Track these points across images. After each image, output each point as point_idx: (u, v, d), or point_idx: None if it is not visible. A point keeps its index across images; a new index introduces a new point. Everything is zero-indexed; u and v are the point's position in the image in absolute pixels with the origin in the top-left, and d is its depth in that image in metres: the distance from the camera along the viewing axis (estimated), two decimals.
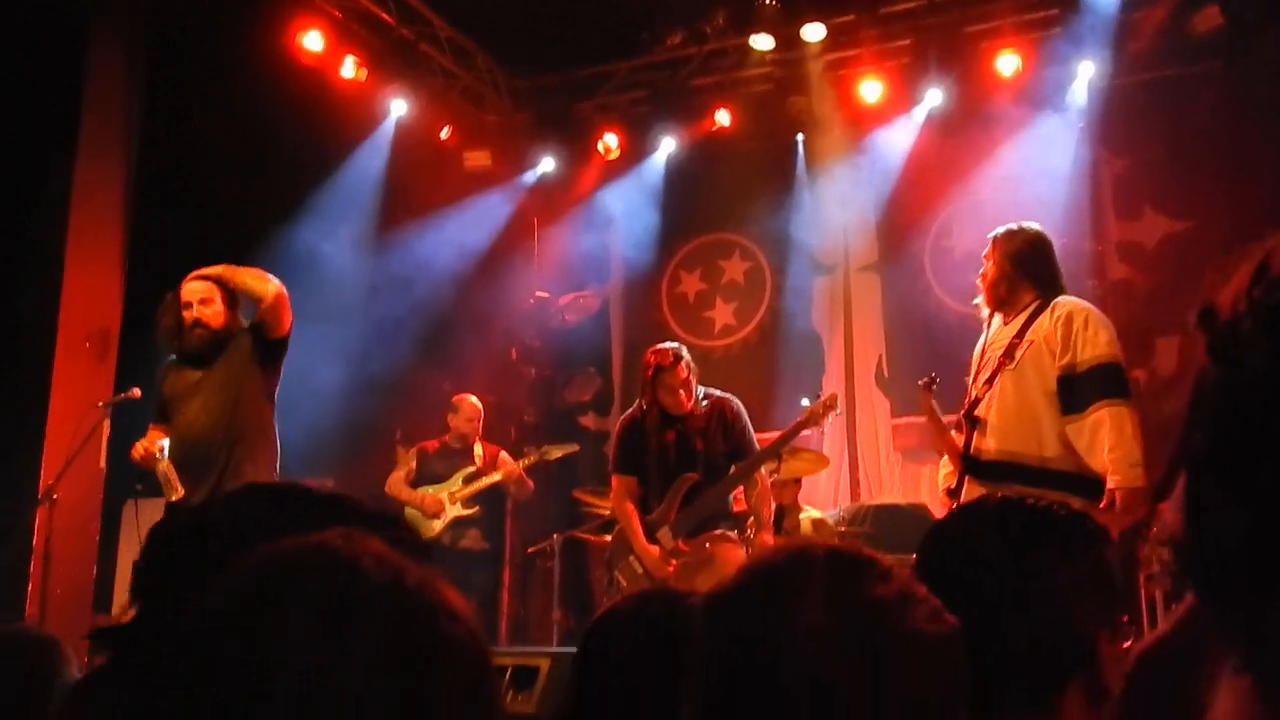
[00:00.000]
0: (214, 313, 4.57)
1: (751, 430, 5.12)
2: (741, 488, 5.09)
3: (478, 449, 6.67)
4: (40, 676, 1.96)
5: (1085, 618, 1.33)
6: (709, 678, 1.12)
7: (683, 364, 4.91)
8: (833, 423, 5.53)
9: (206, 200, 6.44)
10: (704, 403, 5.02)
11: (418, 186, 7.77)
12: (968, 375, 4.16)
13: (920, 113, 7.21)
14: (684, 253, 8.34)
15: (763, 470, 5.08)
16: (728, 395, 5.16)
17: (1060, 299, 4.01)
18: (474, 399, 6.77)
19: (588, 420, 8.50)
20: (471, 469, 6.55)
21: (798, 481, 6.26)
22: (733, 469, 5.01)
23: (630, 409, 5.21)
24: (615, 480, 5.17)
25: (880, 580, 1.12)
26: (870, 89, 7.23)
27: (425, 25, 7.48)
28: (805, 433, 5.35)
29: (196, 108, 6.40)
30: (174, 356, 4.65)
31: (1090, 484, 3.70)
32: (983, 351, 4.15)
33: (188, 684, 0.68)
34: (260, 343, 4.60)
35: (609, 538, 6.33)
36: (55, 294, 6.01)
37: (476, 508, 6.54)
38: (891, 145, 7.36)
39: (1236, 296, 0.46)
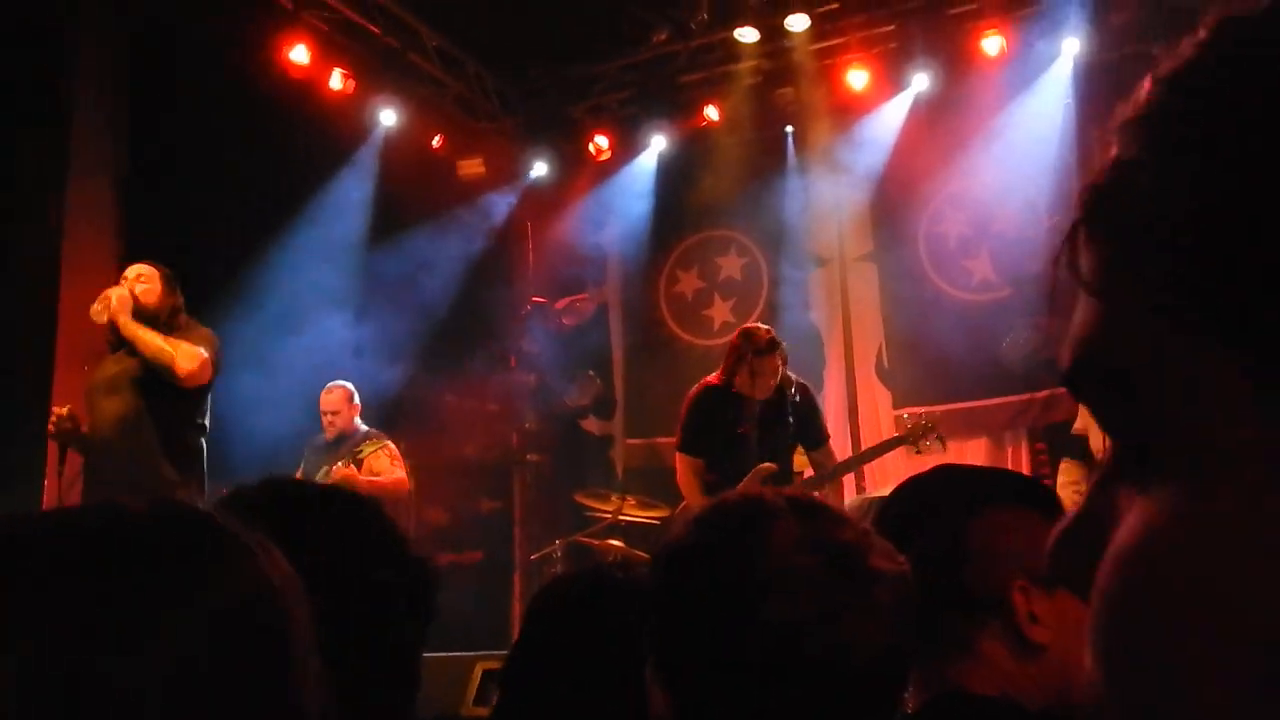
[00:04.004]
0: (145, 290, 4.45)
1: (823, 418, 5.12)
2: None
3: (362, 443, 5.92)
4: None
5: (997, 566, 1.34)
6: (673, 630, 1.11)
7: (780, 350, 4.82)
8: (857, 403, 5.44)
9: (199, 215, 6.44)
10: (792, 390, 4.91)
11: (411, 195, 7.76)
12: None
13: (907, 98, 7.19)
14: (680, 251, 8.32)
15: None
16: (805, 381, 5.08)
17: None
18: (337, 385, 6.06)
19: (589, 424, 8.47)
20: (326, 469, 5.80)
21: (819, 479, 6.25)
22: (798, 456, 4.99)
23: (699, 385, 5.04)
24: (681, 459, 5.00)
25: (840, 524, 1.13)
26: (857, 77, 7.21)
27: (412, 35, 7.49)
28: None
29: (187, 125, 6.41)
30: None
31: None
32: None
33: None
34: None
35: (614, 542, 6.34)
36: (52, 314, 6.02)
37: None
38: (881, 132, 7.34)
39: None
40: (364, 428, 6.05)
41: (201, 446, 4.58)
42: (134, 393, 4.36)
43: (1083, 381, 0.43)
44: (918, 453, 5.53)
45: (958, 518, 1.37)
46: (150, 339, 4.36)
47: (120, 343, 4.45)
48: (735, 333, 5.06)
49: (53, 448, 4.53)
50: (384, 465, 5.81)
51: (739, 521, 1.11)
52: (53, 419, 4.31)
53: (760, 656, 1.03)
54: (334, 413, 6.00)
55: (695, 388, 5.07)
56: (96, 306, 4.43)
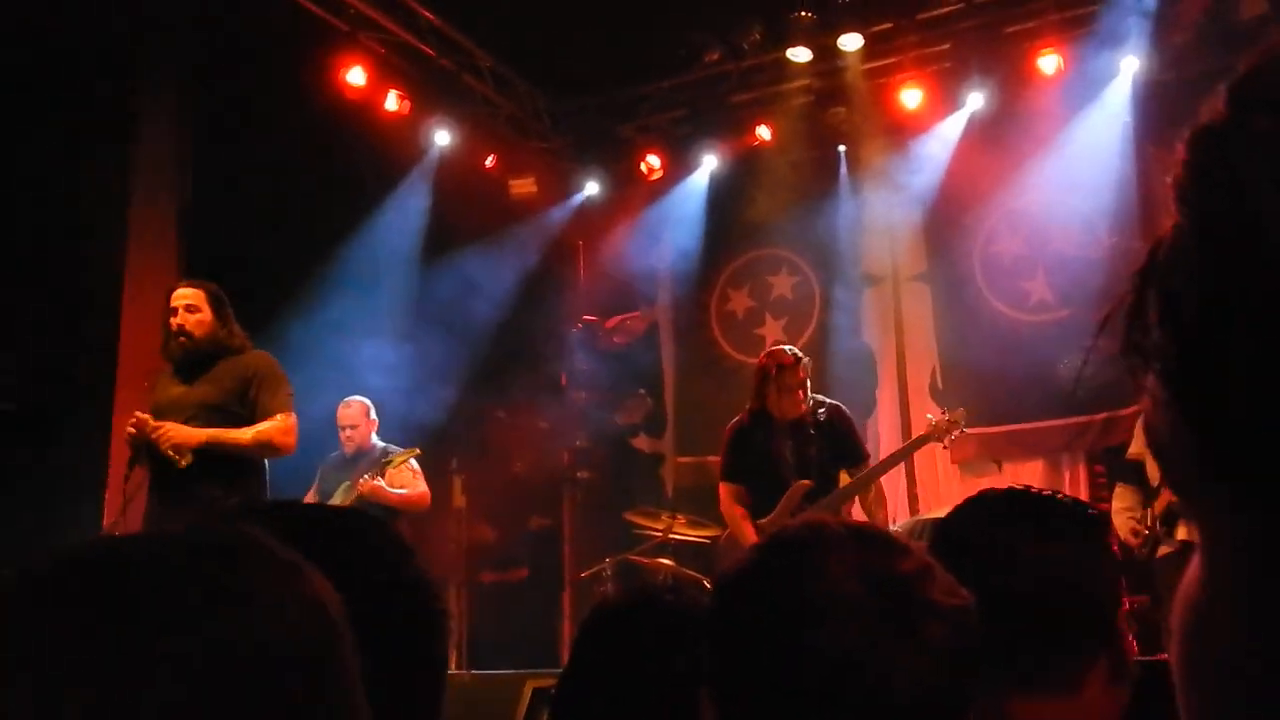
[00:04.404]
0: (198, 321, 4.43)
1: (862, 437, 5.19)
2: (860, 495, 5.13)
3: (375, 454, 5.88)
4: None
5: (1100, 595, 1.32)
6: (728, 656, 1.11)
7: (803, 364, 4.96)
8: (954, 440, 5.41)
9: (257, 236, 6.56)
10: (820, 411, 5.03)
11: (464, 215, 7.84)
12: None
13: (962, 117, 7.14)
14: (731, 270, 8.31)
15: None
16: (838, 403, 5.19)
17: None
18: (355, 400, 5.97)
19: (640, 442, 8.47)
20: (348, 483, 5.72)
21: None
22: (843, 476, 5.05)
23: (737, 416, 5.21)
24: (723, 488, 5.16)
25: (901, 555, 1.12)
26: (911, 96, 7.17)
27: (465, 56, 7.58)
28: None
29: (246, 147, 6.53)
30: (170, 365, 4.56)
31: None
32: None
33: None
34: (249, 405, 4.46)
35: (664, 560, 6.33)
36: (114, 333, 6.16)
37: None
38: (935, 151, 7.29)
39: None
40: (380, 443, 6.01)
41: (264, 466, 4.62)
42: (203, 420, 4.39)
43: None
44: (945, 448, 5.71)
45: (1051, 548, 1.34)
46: (241, 442, 4.38)
47: (185, 364, 4.49)
48: (761, 355, 5.22)
49: (121, 458, 4.57)
50: (407, 478, 5.79)
51: (797, 548, 1.11)
52: (135, 422, 4.32)
53: (808, 685, 1.02)
54: (353, 427, 5.92)
55: (733, 420, 5.24)
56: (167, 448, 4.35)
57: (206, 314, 4.46)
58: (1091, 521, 1.42)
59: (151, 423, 4.29)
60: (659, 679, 1.41)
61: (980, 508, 1.48)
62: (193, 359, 4.47)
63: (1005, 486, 1.52)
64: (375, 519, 1.20)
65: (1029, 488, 1.51)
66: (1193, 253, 0.40)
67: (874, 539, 1.12)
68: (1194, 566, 0.43)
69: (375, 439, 6.01)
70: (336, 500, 5.57)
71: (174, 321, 4.44)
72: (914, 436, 5.43)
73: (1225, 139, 0.40)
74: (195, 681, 0.65)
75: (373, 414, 6.03)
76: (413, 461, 5.82)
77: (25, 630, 0.66)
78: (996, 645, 1.12)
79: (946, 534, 1.44)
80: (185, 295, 4.48)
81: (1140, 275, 0.43)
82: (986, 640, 1.08)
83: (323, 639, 0.72)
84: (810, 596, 1.05)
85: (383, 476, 5.61)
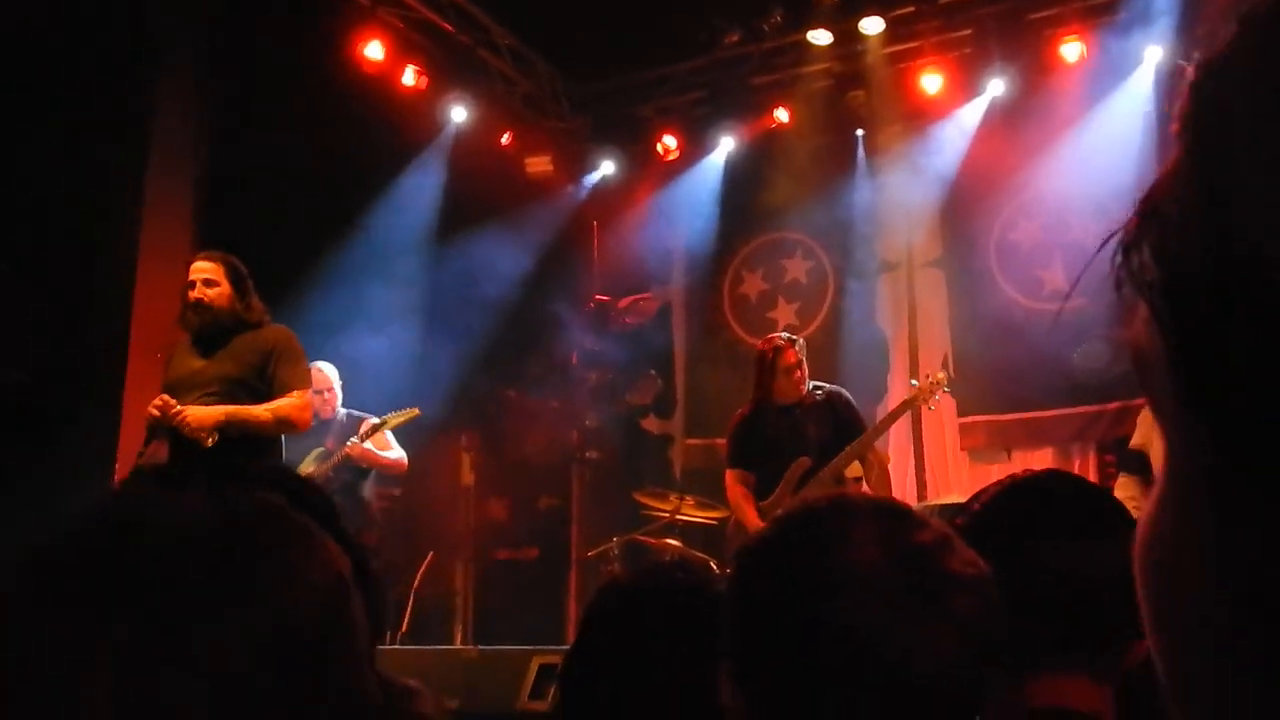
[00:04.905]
0: (217, 294, 4.41)
1: (862, 418, 5.30)
2: (863, 472, 5.23)
3: (340, 421, 5.86)
4: None
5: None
6: (748, 631, 1.10)
7: (797, 346, 5.13)
8: (921, 412, 5.60)
9: (273, 209, 6.55)
10: (818, 393, 5.19)
11: (479, 192, 7.83)
12: None
13: (982, 103, 7.10)
14: (745, 252, 8.29)
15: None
16: (839, 388, 5.36)
17: None
18: (321, 365, 5.76)
19: (649, 423, 8.48)
20: (321, 449, 5.73)
21: (858, 480, 6.20)
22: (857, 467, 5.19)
23: (741, 408, 5.36)
24: (729, 474, 5.33)
25: (920, 527, 1.12)
26: (931, 81, 7.13)
27: (484, 33, 7.56)
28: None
29: (263, 120, 6.52)
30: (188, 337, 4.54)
31: None
32: None
33: None
34: (268, 380, 4.45)
35: (671, 541, 6.34)
36: (127, 304, 6.16)
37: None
38: (954, 138, 7.25)
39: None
40: (344, 410, 5.95)
41: (281, 441, 4.63)
42: (223, 393, 4.38)
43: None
44: (930, 409, 5.90)
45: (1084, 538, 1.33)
46: (260, 419, 4.38)
47: (203, 337, 4.48)
48: (758, 343, 5.42)
49: (131, 436, 4.56)
50: (384, 442, 5.82)
51: (816, 520, 1.11)
52: (158, 404, 4.30)
53: (829, 658, 1.02)
54: (327, 389, 5.84)
55: (736, 413, 5.41)
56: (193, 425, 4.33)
57: (225, 287, 4.44)
58: (1114, 510, 1.41)
59: (173, 406, 4.29)
60: (668, 658, 1.41)
61: (1018, 495, 1.44)
62: (211, 332, 4.45)
63: (1041, 471, 1.49)
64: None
65: (1064, 474, 1.50)
66: (1190, 184, 0.40)
67: (893, 511, 1.12)
68: (1154, 504, 0.44)
69: (340, 406, 5.98)
70: (309, 466, 5.56)
71: (191, 295, 4.42)
72: (901, 404, 5.52)
73: (1231, 74, 0.40)
74: (233, 651, 0.66)
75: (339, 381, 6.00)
76: (389, 432, 5.83)
77: (48, 609, 0.67)
78: (1023, 628, 1.11)
79: (981, 523, 1.39)
80: (204, 269, 4.45)
81: (1139, 204, 0.42)
82: (1013, 622, 1.07)
83: (339, 599, 0.73)
84: (831, 568, 1.05)
85: (371, 439, 5.65)
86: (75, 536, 0.71)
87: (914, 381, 5.51)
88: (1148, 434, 5.41)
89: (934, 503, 6.48)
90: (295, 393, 4.46)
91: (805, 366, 5.15)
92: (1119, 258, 0.43)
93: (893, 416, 5.49)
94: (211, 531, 0.71)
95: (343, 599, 0.73)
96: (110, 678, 0.63)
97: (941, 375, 5.39)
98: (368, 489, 5.90)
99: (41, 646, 0.65)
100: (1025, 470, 1.48)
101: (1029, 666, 1.26)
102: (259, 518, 0.73)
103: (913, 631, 1.00)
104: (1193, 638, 0.42)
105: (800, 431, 5.09)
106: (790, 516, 1.13)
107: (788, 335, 5.28)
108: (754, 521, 5.10)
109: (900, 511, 1.13)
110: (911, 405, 5.42)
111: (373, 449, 5.70)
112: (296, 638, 0.69)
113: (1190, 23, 6.32)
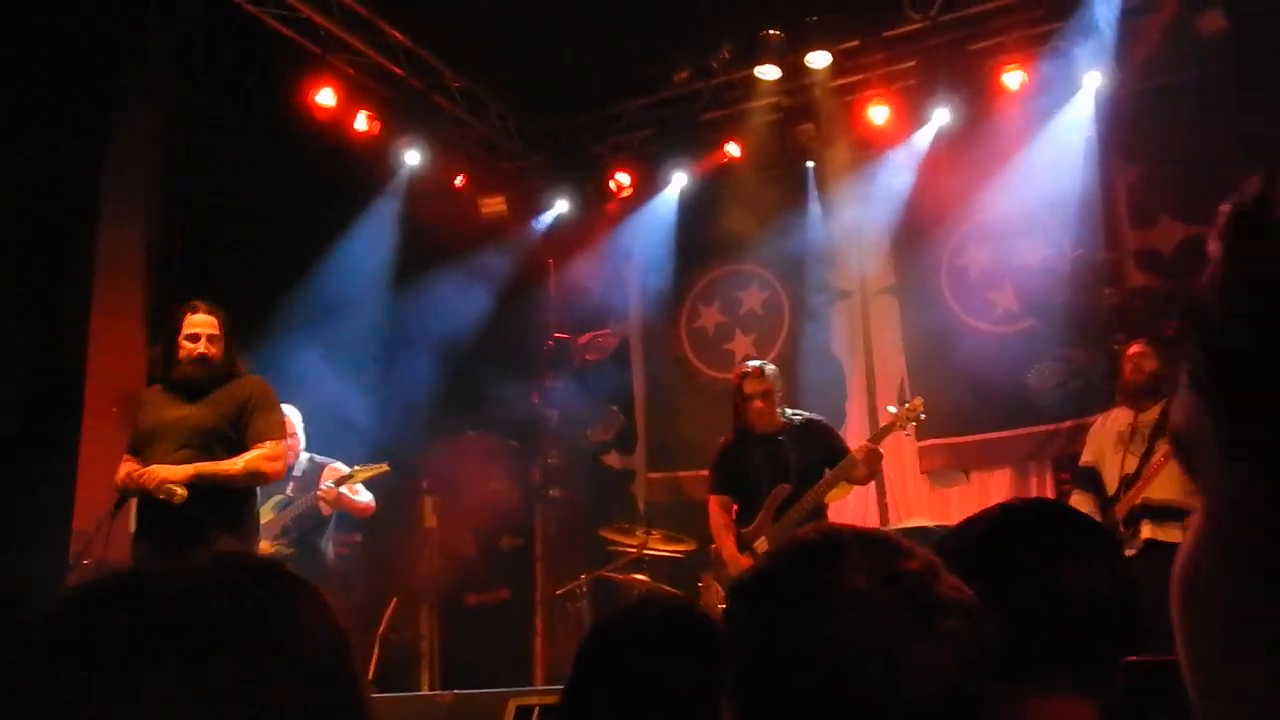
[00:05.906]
0: (218, 349, 4.46)
1: (843, 442, 5.41)
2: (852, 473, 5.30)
3: (302, 467, 5.82)
4: None
5: (1124, 604, 1.35)
6: (741, 656, 1.12)
7: (767, 374, 5.25)
8: (916, 426, 5.74)
9: (227, 259, 6.52)
10: (796, 419, 5.31)
11: (435, 234, 7.83)
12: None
13: (929, 133, 7.23)
14: (701, 286, 8.35)
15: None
16: (817, 415, 5.50)
17: None
18: (289, 408, 5.60)
19: (611, 459, 8.48)
20: (281, 496, 5.68)
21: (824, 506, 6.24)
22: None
23: (723, 437, 5.47)
24: (710, 500, 5.45)
25: (907, 555, 1.14)
26: (878, 112, 7.26)
27: (435, 76, 7.59)
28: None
29: (216, 170, 6.50)
30: (159, 383, 4.52)
31: None
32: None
33: None
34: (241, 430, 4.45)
35: (639, 576, 6.33)
36: (81, 359, 6.08)
37: (290, 547, 5.63)
38: (902, 167, 7.37)
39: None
40: (307, 455, 5.91)
41: (254, 492, 4.60)
42: (197, 450, 4.36)
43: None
44: (907, 434, 6.12)
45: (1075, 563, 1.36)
46: (231, 473, 4.35)
47: (186, 385, 4.45)
48: (730, 374, 5.54)
49: (89, 484, 4.51)
50: (353, 487, 5.81)
51: (807, 550, 1.13)
52: (123, 479, 4.28)
53: (821, 682, 1.04)
54: (290, 435, 5.66)
55: (718, 442, 5.52)
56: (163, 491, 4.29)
57: (222, 340, 4.49)
58: (1106, 535, 1.45)
59: (138, 471, 4.28)
60: (667, 689, 1.42)
61: (1002, 522, 1.47)
62: (203, 381, 4.46)
63: (1026, 500, 1.53)
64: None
65: (1052, 501, 1.54)
66: (1232, 289, 0.52)
67: (881, 541, 1.15)
68: (1194, 542, 0.52)
69: (303, 451, 5.93)
70: (268, 515, 5.46)
71: (193, 348, 4.42)
72: (882, 429, 5.59)
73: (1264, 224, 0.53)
74: (246, 698, 0.68)
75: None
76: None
77: (78, 665, 0.67)
78: (1016, 651, 1.14)
79: (976, 547, 1.43)
80: (206, 322, 4.46)
81: (1184, 305, 0.54)
82: (1005, 646, 1.10)
83: (341, 651, 0.74)
84: (825, 596, 1.07)
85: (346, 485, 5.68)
86: (87, 599, 0.72)
87: (891, 409, 5.58)
88: (1097, 451, 5.54)
89: (898, 526, 6.54)
90: (268, 443, 4.45)
91: (776, 394, 5.24)
92: (1174, 347, 0.54)
93: (877, 439, 5.47)
94: (221, 586, 0.72)
95: (346, 644, 0.75)
96: None
97: (919, 401, 5.46)
98: (325, 539, 5.86)
99: (69, 702, 0.66)
100: (1016, 498, 1.52)
101: (1021, 687, 1.29)
102: (262, 574, 0.75)
103: (907, 654, 1.02)
104: (1234, 652, 0.49)
105: (780, 458, 5.18)
106: (782, 548, 1.16)
107: (759, 363, 5.38)
108: (731, 551, 5.17)
109: (885, 541, 1.16)
110: (889, 432, 5.48)
111: (345, 493, 5.72)
112: (312, 684, 0.70)
113: (1126, 50, 6.51)
